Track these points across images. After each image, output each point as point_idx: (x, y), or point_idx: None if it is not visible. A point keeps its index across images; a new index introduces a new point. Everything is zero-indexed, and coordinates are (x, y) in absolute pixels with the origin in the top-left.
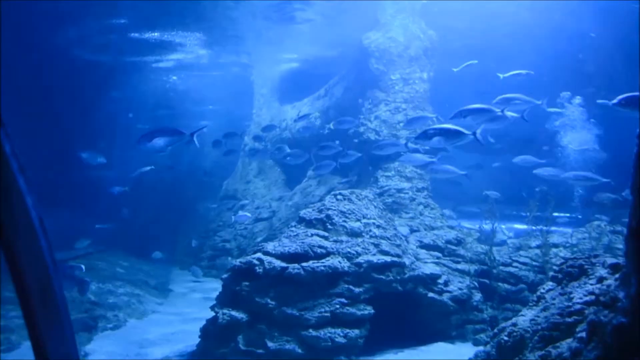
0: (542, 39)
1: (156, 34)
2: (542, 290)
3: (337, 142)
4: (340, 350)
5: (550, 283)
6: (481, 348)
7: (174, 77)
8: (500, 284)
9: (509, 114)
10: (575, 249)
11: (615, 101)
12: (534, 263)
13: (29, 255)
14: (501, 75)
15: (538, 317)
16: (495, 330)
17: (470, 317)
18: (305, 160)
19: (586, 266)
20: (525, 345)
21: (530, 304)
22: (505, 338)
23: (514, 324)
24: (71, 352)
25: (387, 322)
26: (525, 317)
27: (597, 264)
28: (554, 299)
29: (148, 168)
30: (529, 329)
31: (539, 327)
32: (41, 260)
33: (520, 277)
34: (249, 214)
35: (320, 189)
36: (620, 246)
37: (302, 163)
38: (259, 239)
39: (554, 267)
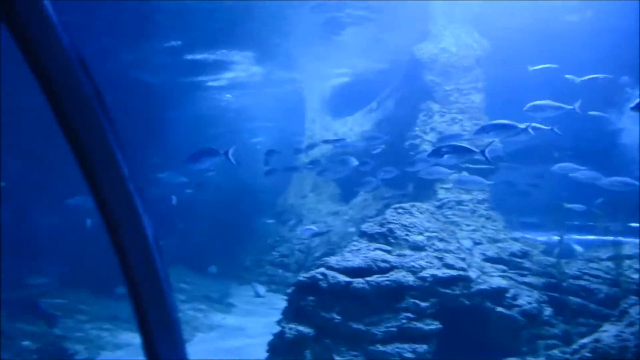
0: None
1: (210, 54)
2: (625, 305)
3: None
4: None
5: (633, 297)
6: None
7: (228, 96)
8: (571, 297)
9: (536, 125)
10: None
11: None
12: (607, 276)
13: (144, 272)
14: (531, 68)
15: (623, 332)
16: (575, 347)
17: (542, 332)
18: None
19: None
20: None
21: (612, 319)
22: (588, 355)
23: (597, 340)
24: (181, 355)
25: (453, 337)
26: (609, 333)
27: None
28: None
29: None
30: (614, 345)
31: (629, 343)
32: (156, 276)
33: (592, 291)
34: (314, 227)
35: (376, 203)
36: None
37: (357, 177)
38: (316, 254)
39: (635, 281)
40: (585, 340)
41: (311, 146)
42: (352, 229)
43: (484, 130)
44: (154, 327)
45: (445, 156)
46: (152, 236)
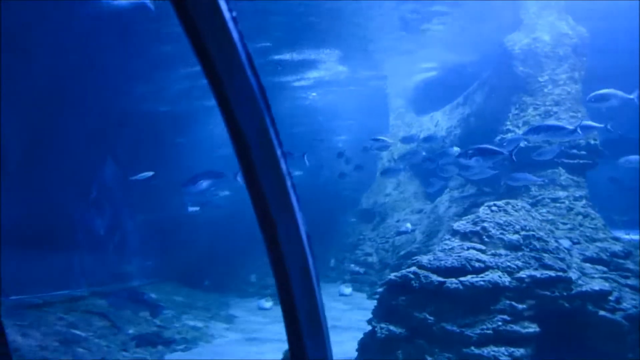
0: None
1: (296, 55)
2: None
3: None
4: None
5: None
6: None
7: (314, 94)
8: None
9: (588, 123)
10: None
11: None
12: None
13: (296, 268)
14: None
15: None
16: None
17: None
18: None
19: None
20: None
21: None
22: None
23: None
24: (328, 355)
25: (552, 342)
26: None
27: None
28: None
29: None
30: None
31: None
32: (307, 273)
33: None
34: (409, 225)
35: (463, 201)
36: None
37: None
38: (401, 252)
39: None
40: None
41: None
42: (439, 227)
43: (534, 131)
44: (303, 325)
45: (473, 159)
46: (306, 233)
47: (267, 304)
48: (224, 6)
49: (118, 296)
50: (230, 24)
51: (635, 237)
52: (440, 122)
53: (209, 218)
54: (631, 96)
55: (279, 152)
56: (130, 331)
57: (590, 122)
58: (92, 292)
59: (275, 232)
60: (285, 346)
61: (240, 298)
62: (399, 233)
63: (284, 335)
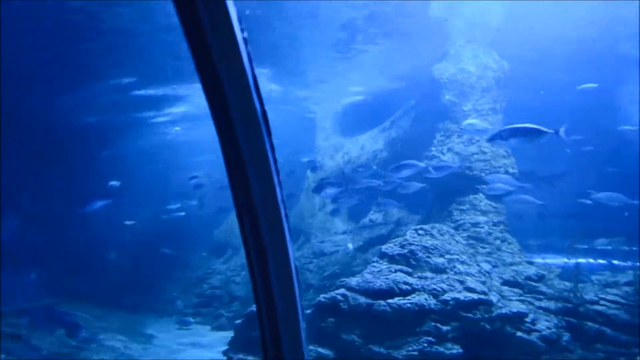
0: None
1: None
2: None
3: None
4: None
5: None
6: None
7: (176, 129)
8: (588, 322)
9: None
10: None
11: None
12: (624, 301)
13: (279, 262)
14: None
15: None
16: None
17: (561, 358)
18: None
19: None
20: None
21: None
22: None
23: None
24: (304, 354)
25: None
26: None
27: None
28: None
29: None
30: None
31: None
32: (287, 265)
33: (610, 316)
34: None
35: (387, 225)
36: None
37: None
38: (325, 274)
39: None
40: None
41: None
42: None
43: (499, 136)
44: (282, 329)
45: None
46: (294, 262)
47: (187, 324)
48: (236, 26)
49: (33, 315)
50: (242, 45)
51: (548, 260)
52: (366, 145)
53: (127, 238)
54: (551, 130)
55: (276, 180)
56: (44, 352)
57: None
58: (5, 311)
59: (265, 260)
60: None
61: (159, 318)
62: (322, 254)
63: (204, 356)
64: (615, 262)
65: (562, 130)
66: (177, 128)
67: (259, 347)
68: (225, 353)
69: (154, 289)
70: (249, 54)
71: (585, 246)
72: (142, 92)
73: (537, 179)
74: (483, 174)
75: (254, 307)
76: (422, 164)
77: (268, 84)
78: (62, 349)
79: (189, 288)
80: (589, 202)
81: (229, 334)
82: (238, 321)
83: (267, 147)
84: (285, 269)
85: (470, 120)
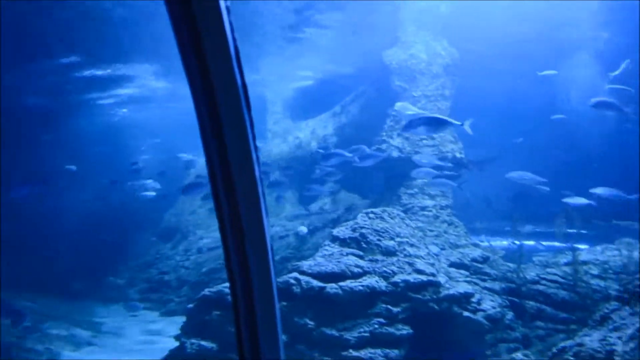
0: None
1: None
2: (606, 311)
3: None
4: None
5: (615, 303)
6: None
7: (124, 110)
8: (529, 302)
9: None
10: (606, 266)
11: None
12: (563, 281)
13: (258, 261)
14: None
15: (609, 337)
16: (555, 350)
17: (504, 336)
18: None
19: None
20: None
21: (593, 324)
22: (572, 358)
23: (580, 344)
24: (280, 354)
25: (423, 342)
26: (592, 337)
27: None
28: (624, 319)
29: None
30: (600, 349)
31: (616, 347)
32: (266, 264)
33: (549, 295)
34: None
35: (337, 207)
36: None
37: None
38: (276, 257)
39: (619, 288)
40: (566, 343)
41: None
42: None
43: (410, 125)
44: (260, 328)
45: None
46: (270, 242)
47: (135, 310)
48: None
49: None
50: (225, 14)
51: (493, 243)
52: (316, 129)
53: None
54: (458, 122)
55: (254, 156)
56: None
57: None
58: None
59: (242, 240)
60: (157, 351)
61: (106, 304)
62: (200, 251)
63: (154, 341)
64: (555, 244)
65: (467, 124)
66: (124, 110)
67: (214, 331)
68: (177, 338)
69: (101, 276)
70: (231, 24)
71: (528, 229)
72: (87, 72)
73: (468, 164)
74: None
75: (206, 292)
76: (348, 154)
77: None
78: (7, 338)
79: (136, 274)
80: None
81: (180, 319)
82: (190, 306)
83: (247, 122)
84: (263, 256)
85: (401, 103)
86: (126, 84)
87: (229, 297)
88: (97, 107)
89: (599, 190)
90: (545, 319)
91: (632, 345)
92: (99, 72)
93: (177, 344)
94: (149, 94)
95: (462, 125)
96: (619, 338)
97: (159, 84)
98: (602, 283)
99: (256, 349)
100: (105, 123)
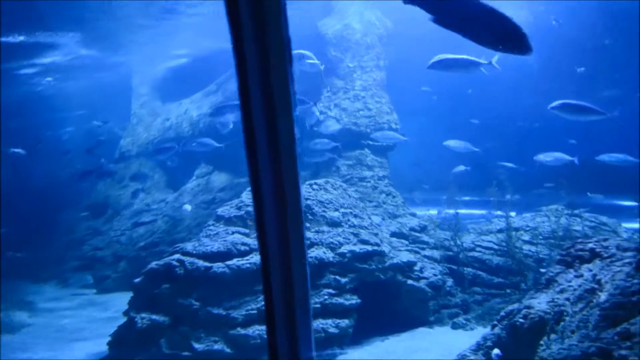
0: None
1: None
2: (551, 274)
3: None
4: (333, 341)
5: (558, 266)
6: (488, 331)
7: (49, 79)
8: (466, 268)
9: None
10: (536, 232)
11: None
12: (497, 247)
13: (298, 265)
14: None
15: (557, 299)
16: (503, 313)
17: (445, 302)
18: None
19: (598, 249)
20: (545, 326)
21: (539, 287)
22: (521, 320)
23: (529, 307)
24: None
25: (368, 311)
26: (540, 300)
27: (611, 247)
28: (570, 281)
29: None
30: (549, 311)
31: (565, 308)
32: (305, 279)
33: (485, 261)
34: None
35: (211, 186)
36: (578, 228)
37: (184, 164)
38: (141, 244)
39: (562, 252)
40: (512, 307)
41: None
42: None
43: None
44: (300, 327)
45: None
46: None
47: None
48: None
49: None
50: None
51: (430, 212)
52: (189, 109)
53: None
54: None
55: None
56: None
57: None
58: None
59: (287, 241)
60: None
61: (36, 284)
62: (137, 224)
63: (96, 318)
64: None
65: (494, 60)
66: (48, 78)
67: (164, 305)
68: (126, 313)
69: (28, 254)
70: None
71: (464, 198)
72: (4, 39)
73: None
74: (368, 130)
75: (153, 265)
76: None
77: (78, 49)
78: None
79: (68, 251)
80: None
81: (118, 295)
82: (137, 280)
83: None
84: (302, 260)
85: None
86: (50, 52)
87: (178, 270)
88: (16, 77)
89: (542, 157)
90: (481, 284)
91: (580, 305)
92: (18, 40)
93: (124, 319)
94: (75, 63)
95: (489, 63)
96: (567, 299)
97: (84, 52)
98: (533, 248)
99: (295, 350)
100: (27, 94)
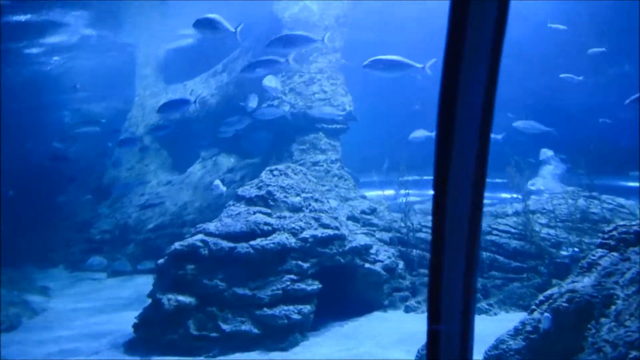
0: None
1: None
2: (593, 257)
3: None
4: (295, 327)
5: (600, 250)
6: (526, 316)
7: (56, 58)
8: (415, 250)
9: None
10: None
11: None
12: None
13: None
14: None
15: (605, 282)
16: (542, 298)
17: (397, 285)
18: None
19: None
20: (593, 310)
21: (581, 270)
22: (565, 304)
23: (572, 290)
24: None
25: (326, 296)
26: (584, 284)
27: None
28: (615, 264)
29: None
30: (595, 294)
31: (616, 292)
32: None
33: (429, 242)
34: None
35: (217, 169)
36: (596, 210)
37: (191, 145)
38: (150, 226)
39: (603, 235)
40: (552, 291)
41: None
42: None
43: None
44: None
45: None
46: None
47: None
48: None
49: None
50: None
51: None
52: (195, 90)
53: None
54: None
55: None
56: None
57: None
58: None
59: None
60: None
61: (46, 269)
62: (145, 207)
63: (114, 305)
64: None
65: (427, 65)
66: (56, 58)
67: (190, 286)
68: (151, 294)
69: (35, 239)
70: None
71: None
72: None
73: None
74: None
75: (177, 245)
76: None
77: (83, 29)
78: None
79: (75, 234)
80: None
81: (130, 278)
82: (161, 261)
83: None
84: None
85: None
86: (56, 31)
87: (202, 251)
88: (24, 56)
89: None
90: (426, 266)
91: (633, 288)
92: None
93: (148, 301)
94: (80, 43)
95: (423, 68)
96: (615, 283)
97: (88, 31)
98: (552, 232)
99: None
100: (35, 74)
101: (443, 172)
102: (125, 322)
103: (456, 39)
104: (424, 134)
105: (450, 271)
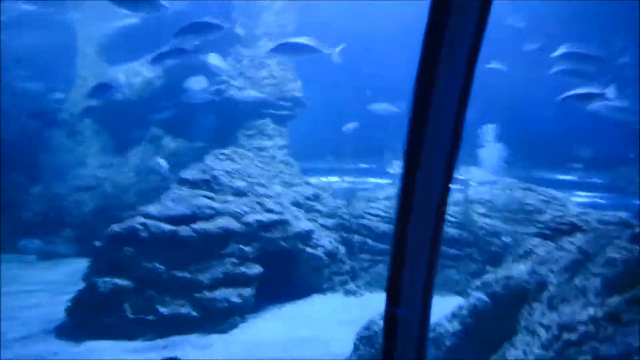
0: None
1: None
2: (530, 246)
3: None
4: (235, 310)
5: (537, 239)
6: (461, 300)
7: None
8: (355, 235)
9: None
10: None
11: None
12: (383, 214)
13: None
14: None
15: (539, 269)
16: (479, 283)
17: (337, 270)
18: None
19: (578, 223)
20: (527, 295)
21: (517, 257)
22: (501, 290)
23: (508, 277)
24: None
25: (267, 279)
26: (521, 270)
27: (592, 221)
28: (550, 252)
29: None
30: (530, 281)
31: (546, 279)
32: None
33: (372, 228)
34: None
35: (163, 150)
36: (531, 201)
37: (135, 128)
38: (87, 209)
39: (539, 225)
40: (488, 276)
41: None
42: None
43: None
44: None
45: None
46: None
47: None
48: None
49: None
50: None
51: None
52: (140, 72)
53: None
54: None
55: None
56: None
57: None
58: None
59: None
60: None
61: None
62: (79, 189)
63: (43, 288)
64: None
65: (336, 50)
66: None
67: (127, 269)
68: (86, 278)
69: None
70: None
71: (355, 166)
72: None
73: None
74: (272, 99)
75: (115, 228)
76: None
77: (23, 4)
78: None
79: (4, 215)
80: None
81: (62, 261)
82: (98, 244)
83: None
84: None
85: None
86: None
87: (142, 233)
88: None
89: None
90: (367, 251)
91: (566, 276)
92: None
93: (83, 284)
94: (19, 19)
95: (332, 53)
96: (551, 270)
97: (28, 6)
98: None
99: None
100: None
101: (414, 158)
102: (57, 306)
103: (435, 29)
104: (385, 107)
105: (412, 254)
